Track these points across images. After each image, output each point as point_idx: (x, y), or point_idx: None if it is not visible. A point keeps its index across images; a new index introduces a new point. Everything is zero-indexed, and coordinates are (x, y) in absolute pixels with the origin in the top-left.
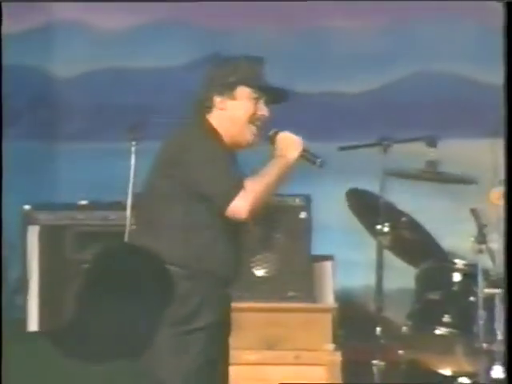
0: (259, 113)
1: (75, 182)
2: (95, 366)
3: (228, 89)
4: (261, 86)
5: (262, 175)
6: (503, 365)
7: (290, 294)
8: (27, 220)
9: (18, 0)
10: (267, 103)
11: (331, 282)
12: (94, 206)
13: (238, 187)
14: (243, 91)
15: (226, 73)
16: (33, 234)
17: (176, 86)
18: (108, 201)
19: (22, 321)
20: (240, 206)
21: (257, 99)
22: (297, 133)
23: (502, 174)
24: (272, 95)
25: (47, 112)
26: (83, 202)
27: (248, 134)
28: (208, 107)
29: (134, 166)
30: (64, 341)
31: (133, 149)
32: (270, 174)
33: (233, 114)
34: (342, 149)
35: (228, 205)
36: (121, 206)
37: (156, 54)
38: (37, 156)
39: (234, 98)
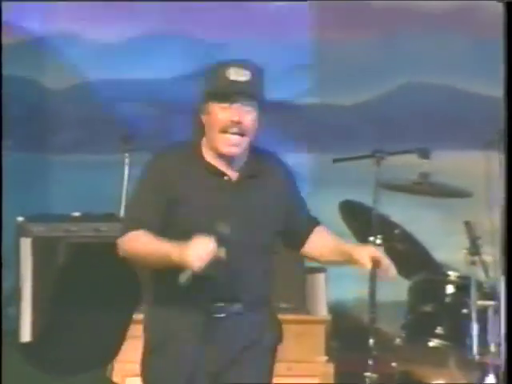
0: (230, 120)
1: (68, 193)
2: (63, 377)
3: (203, 105)
4: (225, 95)
5: (157, 244)
6: (503, 377)
7: (283, 305)
8: (20, 231)
9: (18, 0)
10: (242, 103)
11: (324, 294)
12: (86, 217)
13: (138, 224)
14: (213, 105)
15: (202, 88)
16: (26, 246)
17: (169, 98)
18: (101, 212)
19: (15, 332)
20: (125, 242)
21: (226, 108)
22: (290, 145)
23: (495, 186)
24: (241, 97)
25: (40, 124)
26: (76, 214)
27: (220, 144)
28: (202, 128)
29: (127, 177)
30: (35, 352)
31: (126, 160)
32: (159, 250)
33: (208, 128)
34: (336, 161)
35: (123, 234)
36: (113, 218)
37: (149, 66)
38: (30, 168)
39: (208, 113)
